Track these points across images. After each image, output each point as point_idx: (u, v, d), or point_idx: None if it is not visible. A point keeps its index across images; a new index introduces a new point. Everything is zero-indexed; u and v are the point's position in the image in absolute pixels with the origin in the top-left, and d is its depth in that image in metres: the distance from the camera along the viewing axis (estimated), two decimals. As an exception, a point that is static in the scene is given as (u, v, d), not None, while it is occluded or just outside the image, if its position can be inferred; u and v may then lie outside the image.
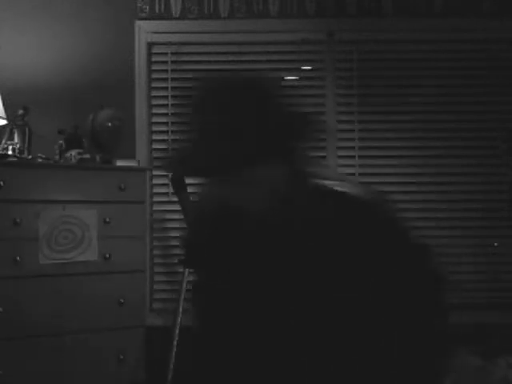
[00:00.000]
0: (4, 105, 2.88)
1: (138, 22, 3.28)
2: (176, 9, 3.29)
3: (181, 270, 3.00)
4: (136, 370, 2.77)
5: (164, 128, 3.31)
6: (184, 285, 2.95)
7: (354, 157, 3.30)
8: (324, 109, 3.32)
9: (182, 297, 2.93)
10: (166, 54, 3.31)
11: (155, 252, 3.30)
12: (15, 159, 2.71)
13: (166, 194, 3.26)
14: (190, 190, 3.04)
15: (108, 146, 2.91)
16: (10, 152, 2.76)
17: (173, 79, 3.31)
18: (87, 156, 2.81)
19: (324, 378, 1.25)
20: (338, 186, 1.36)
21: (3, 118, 2.87)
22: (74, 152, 2.81)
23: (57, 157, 2.85)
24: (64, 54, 3.22)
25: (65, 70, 3.21)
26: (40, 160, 2.76)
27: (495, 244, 3.27)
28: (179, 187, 3.00)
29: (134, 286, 2.79)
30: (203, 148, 1.28)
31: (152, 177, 3.27)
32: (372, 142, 3.31)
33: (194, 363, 1.40)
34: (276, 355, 1.27)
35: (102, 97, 3.10)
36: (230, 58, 3.33)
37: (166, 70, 3.31)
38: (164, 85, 3.31)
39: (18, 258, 2.51)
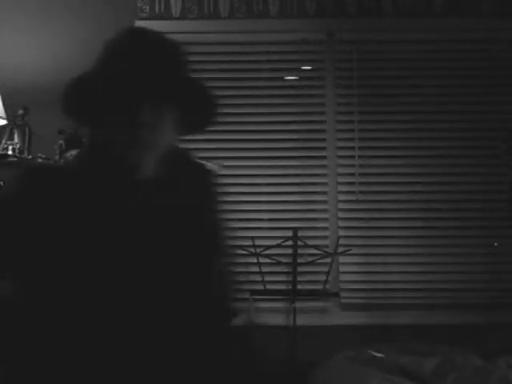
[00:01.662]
0: (4, 105, 2.89)
1: (138, 22, 3.27)
2: (176, 9, 3.29)
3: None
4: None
5: (164, 128, 3.31)
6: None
7: (353, 157, 3.30)
8: (324, 109, 3.32)
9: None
10: (165, 53, 3.31)
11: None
12: (15, 159, 2.71)
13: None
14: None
15: (108, 146, 2.90)
16: (10, 152, 2.77)
17: (173, 79, 3.31)
18: (87, 156, 2.81)
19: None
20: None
21: (3, 118, 2.87)
22: (74, 152, 2.81)
23: (57, 157, 2.85)
24: (64, 54, 3.22)
25: (65, 70, 3.19)
26: (40, 160, 2.76)
27: (495, 244, 3.26)
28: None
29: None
30: None
31: (152, 177, 3.26)
32: (372, 142, 3.31)
33: None
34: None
35: (102, 97, 3.10)
36: (230, 57, 3.33)
37: (166, 70, 3.31)
38: (164, 85, 3.31)
39: (18, 258, 2.51)
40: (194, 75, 1.34)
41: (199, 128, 1.41)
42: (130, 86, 1.23)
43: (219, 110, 1.39)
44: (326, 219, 3.27)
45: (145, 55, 1.25)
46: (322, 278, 2.99)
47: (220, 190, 1.51)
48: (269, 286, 2.99)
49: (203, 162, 1.52)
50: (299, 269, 2.99)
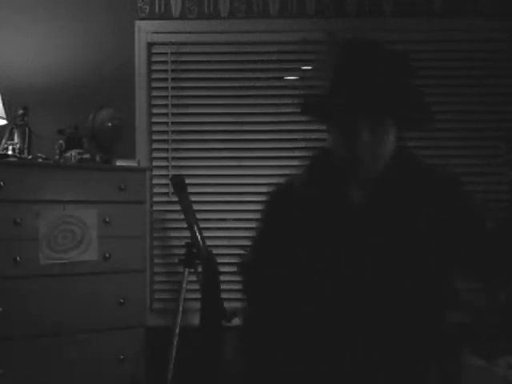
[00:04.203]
0: (4, 105, 2.88)
1: (138, 22, 3.27)
2: (176, 9, 3.29)
3: (181, 270, 3.00)
4: (136, 370, 2.77)
5: (164, 128, 3.31)
6: (184, 285, 2.95)
7: (354, 157, 3.29)
8: (324, 109, 3.31)
9: (182, 297, 2.93)
10: (165, 54, 3.31)
11: (155, 252, 3.30)
12: (15, 159, 2.71)
13: (166, 193, 3.26)
14: (189, 190, 3.05)
15: (108, 146, 2.91)
16: (10, 152, 2.76)
17: (173, 79, 3.31)
18: (87, 156, 2.81)
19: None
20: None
21: (3, 118, 2.87)
22: (73, 152, 2.81)
23: (57, 157, 2.85)
24: (64, 54, 3.22)
25: (65, 70, 3.21)
26: (40, 160, 2.76)
27: (495, 244, 3.26)
28: (179, 187, 3.00)
29: (134, 285, 2.79)
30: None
31: (152, 177, 3.27)
32: (372, 141, 3.30)
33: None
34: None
35: (102, 97, 3.10)
36: (231, 57, 3.33)
37: (166, 70, 3.31)
38: (164, 85, 3.31)
39: (18, 258, 2.51)
40: (406, 79, 1.35)
41: (417, 128, 1.49)
42: (351, 102, 1.27)
43: (430, 111, 1.43)
44: (326, 219, 3.27)
45: (364, 71, 1.29)
46: (322, 277, 2.98)
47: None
48: (269, 286, 2.99)
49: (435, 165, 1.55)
50: (299, 269, 2.98)
